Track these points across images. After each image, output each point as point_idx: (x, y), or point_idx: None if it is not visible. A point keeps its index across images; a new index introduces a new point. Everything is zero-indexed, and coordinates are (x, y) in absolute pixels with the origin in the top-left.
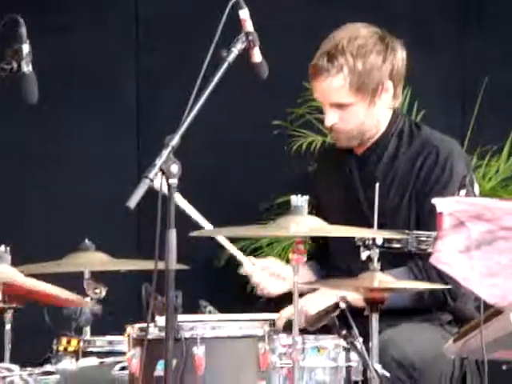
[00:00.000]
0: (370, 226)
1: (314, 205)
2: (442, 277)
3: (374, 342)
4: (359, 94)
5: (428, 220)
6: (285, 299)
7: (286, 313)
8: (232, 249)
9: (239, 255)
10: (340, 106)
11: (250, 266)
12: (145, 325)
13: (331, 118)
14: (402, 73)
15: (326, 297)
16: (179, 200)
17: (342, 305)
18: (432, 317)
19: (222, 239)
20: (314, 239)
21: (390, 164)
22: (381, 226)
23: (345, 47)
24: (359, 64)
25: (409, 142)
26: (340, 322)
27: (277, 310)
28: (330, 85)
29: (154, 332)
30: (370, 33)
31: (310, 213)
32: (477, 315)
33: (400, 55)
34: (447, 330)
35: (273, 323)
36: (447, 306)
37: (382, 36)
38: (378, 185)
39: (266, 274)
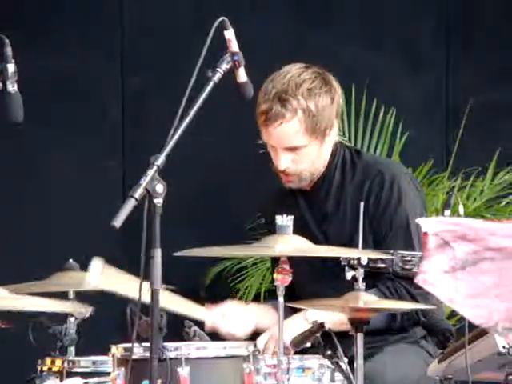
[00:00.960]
0: (331, 258)
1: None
2: (412, 295)
3: (359, 361)
4: (313, 136)
5: (390, 241)
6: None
7: (262, 340)
8: (184, 307)
9: (193, 312)
10: (293, 149)
11: (210, 318)
12: (129, 345)
13: (284, 161)
14: (340, 109)
15: (298, 323)
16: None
17: (327, 325)
18: (407, 334)
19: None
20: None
21: (338, 196)
22: (333, 258)
23: (295, 90)
24: (312, 106)
25: (352, 170)
26: (325, 342)
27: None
28: (286, 130)
29: (138, 352)
30: (313, 74)
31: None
32: (449, 326)
33: (338, 91)
34: (424, 347)
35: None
36: (419, 323)
37: (323, 77)
38: (362, 204)
39: (229, 320)
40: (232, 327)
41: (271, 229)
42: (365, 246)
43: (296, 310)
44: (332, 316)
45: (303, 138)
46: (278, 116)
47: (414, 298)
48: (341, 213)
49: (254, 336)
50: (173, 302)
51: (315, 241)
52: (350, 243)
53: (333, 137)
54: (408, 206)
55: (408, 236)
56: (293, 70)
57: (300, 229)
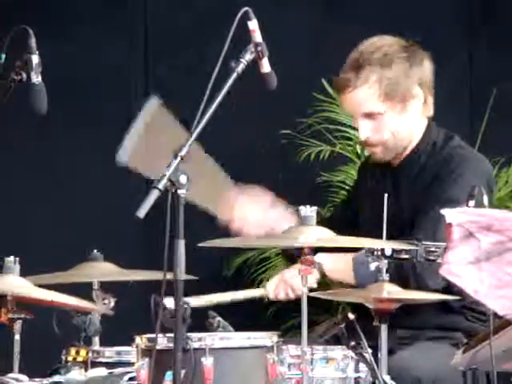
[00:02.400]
0: (393, 236)
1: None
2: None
3: (383, 352)
4: (388, 102)
5: (422, 223)
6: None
7: (272, 284)
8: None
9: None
10: (371, 117)
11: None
12: (153, 335)
13: (364, 130)
14: (430, 81)
15: (339, 256)
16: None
17: (351, 316)
18: (449, 335)
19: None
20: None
21: (418, 175)
22: (400, 235)
23: (370, 57)
24: (386, 72)
25: (439, 153)
26: (349, 332)
27: (285, 322)
28: (358, 95)
29: (162, 342)
30: (393, 41)
31: (318, 223)
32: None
33: (426, 63)
34: None
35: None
36: (409, 281)
37: (405, 45)
38: (386, 196)
39: (246, 222)
40: (245, 229)
41: (349, 195)
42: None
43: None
44: (336, 259)
45: (378, 103)
46: (350, 82)
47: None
48: (413, 193)
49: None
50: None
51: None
52: (407, 224)
53: (416, 107)
54: (461, 197)
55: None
56: (374, 38)
57: (377, 200)
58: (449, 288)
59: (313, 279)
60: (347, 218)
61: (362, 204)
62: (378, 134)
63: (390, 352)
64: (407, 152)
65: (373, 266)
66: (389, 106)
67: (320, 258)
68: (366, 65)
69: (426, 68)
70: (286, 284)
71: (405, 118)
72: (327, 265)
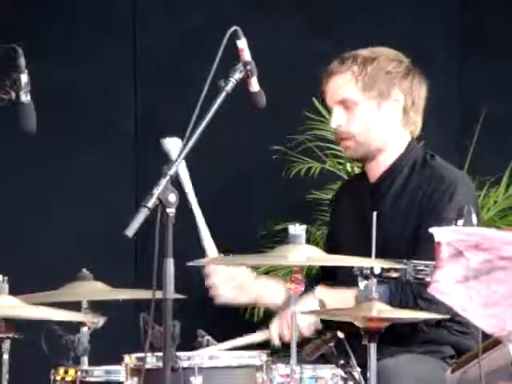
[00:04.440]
0: (377, 252)
1: (328, 233)
2: (417, 304)
3: (372, 371)
4: (365, 93)
5: (421, 247)
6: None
7: (275, 328)
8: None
9: (208, 244)
10: (346, 105)
11: (214, 266)
12: (142, 354)
13: (336, 117)
14: (416, 98)
15: (307, 302)
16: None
17: (340, 335)
18: (435, 349)
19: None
20: (322, 267)
21: (399, 193)
22: (383, 254)
23: (358, 53)
24: (369, 66)
25: (419, 172)
26: (338, 351)
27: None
28: (338, 81)
29: (151, 361)
30: (390, 51)
31: (307, 242)
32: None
33: (416, 82)
34: (450, 364)
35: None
36: (419, 307)
37: (401, 58)
38: (375, 213)
39: (227, 279)
40: (230, 293)
41: (331, 213)
42: (409, 250)
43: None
44: (338, 296)
45: (354, 91)
46: (333, 70)
47: (417, 307)
48: (395, 209)
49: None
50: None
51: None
52: (395, 241)
53: (393, 110)
54: (453, 217)
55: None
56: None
57: (356, 216)
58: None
59: (305, 323)
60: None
61: (341, 225)
62: (349, 125)
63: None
64: (385, 168)
65: (362, 285)
66: (365, 97)
67: (321, 294)
68: (350, 58)
69: (415, 84)
70: (289, 326)
71: (379, 116)
72: (329, 301)
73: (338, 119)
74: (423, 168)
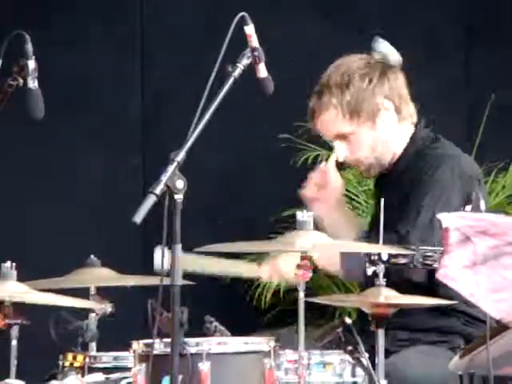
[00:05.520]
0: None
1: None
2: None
3: (380, 357)
4: (355, 120)
5: (402, 218)
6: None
7: (265, 270)
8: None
9: (247, 272)
10: (344, 137)
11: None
12: (150, 340)
13: (340, 151)
14: (400, 91)
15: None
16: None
17: (348, 320)
18: (446, 339)
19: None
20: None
21: (400, 179)
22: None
23: (329, 80)
24: (347, 93)
25: (418, 155)
26: (346, 337)
27: (282, 327)
28: (324, 120)
29: (159, 347)
30: (354, 59)
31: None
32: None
33: (391, 76)
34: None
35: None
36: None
37: (367, 61)
38: (383, 200)
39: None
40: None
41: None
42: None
43: None
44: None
45: (344, 124)
46: (315, 109)
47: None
48: (396, 193)
49: None
50: (222, 265)
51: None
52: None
53: (388, 119)
54: (434, 185)
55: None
56: (340, 59)
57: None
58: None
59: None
60: None
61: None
62: (355, 154)
63: (386, 354)
64: (394, 161)
65: (370, 270)
66: (357, 124)
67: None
68: (325, 89)
69: (392, 80)
70: (279, 271)
71: (378, 132)
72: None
73: (342, 152)
74: (421, 152)
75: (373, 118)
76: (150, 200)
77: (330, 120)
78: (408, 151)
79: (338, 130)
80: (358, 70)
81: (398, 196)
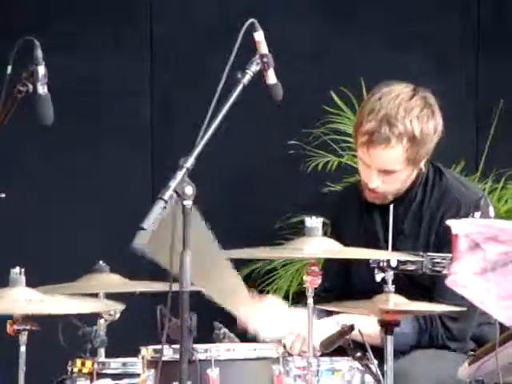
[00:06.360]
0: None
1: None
2: (448, 329)
3: (389, 364)
4: (410, 162)
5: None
6: None
7: (289, 339)
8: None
9: (234, 308)
10: (388, 172)
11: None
12: (159, 346)
13: (376, 181)
14: None
15: (328, 326)
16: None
17: (357, 327)
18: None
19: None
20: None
21: (415, 216)
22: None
23: (404, 116)
24: (418, 135)
25: (431, 191)
26: (355, 344)
27: None
28: (389, 154)
29: (168, 354)
30: (422, 101)
31: (324, 234)
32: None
33: (441, 123)
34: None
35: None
36: (448, 345)
37: (431, 105)
38: (392, 206)
39: (266, 322)
40: (266, 330)
41: (336, 233)
42: None
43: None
44: (363, 323)
45: (401, 164)
46: (385, 140)
47: (448, 332)
48: (415, 232)
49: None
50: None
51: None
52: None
53: (425, 161)
54: None
55: None
56: (403, 93)
57: (369, 240)
58: None
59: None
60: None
61: (347, 232)
62: (387, 186)
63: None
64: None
65: (379, 277)
66: (407, 166)
67: (344, 320)
68: (401, 125)
69: (441, 127)
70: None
71: (414, 172)
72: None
73: (377, 183)
74: (434, 186)
75: (418, 164)
76: (159, 206)
77: (394, 157)
78: (417, 182)
79: (391, 168)
80: (430, 117)
81: (414, 228)
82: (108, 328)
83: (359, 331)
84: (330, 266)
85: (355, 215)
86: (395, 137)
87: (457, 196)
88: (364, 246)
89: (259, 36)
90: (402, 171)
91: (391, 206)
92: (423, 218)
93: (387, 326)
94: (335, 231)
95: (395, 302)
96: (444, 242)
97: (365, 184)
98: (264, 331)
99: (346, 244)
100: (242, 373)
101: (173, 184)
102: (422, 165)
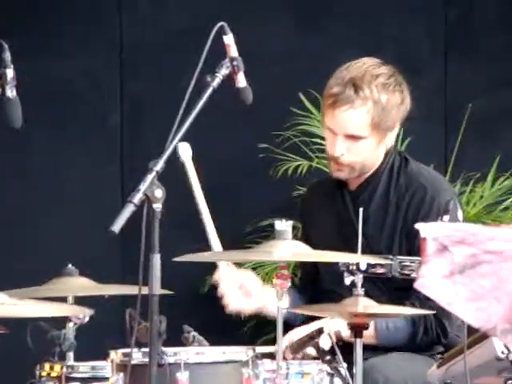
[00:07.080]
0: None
1: (298, 232)
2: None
3: (358, 367)
4: (374, 131)
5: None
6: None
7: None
8: (214, 240)
9: (214, 241)
10: (352, 138)
11: (223, 273)
12: (128, 350)
13: (340, 148)
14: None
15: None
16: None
17: (326, 330)
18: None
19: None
20: (303, 263)
21: (381, 201)
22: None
23: (370, 79)
24: (383, 100)
25: (397, 178)
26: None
27: (261, 336)
28: (352, 116)
29: (137, 357)
30: (390, 71)
31: (294, 237)
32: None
33: (408, 98)
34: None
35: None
36: (440, 343)
37: (398, 77)
38: (361, 209)
39: (235, 287)
40: (232, 297)
41: (307, 227)
42: (399, 254)
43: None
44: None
45: (366, 129)
46: (349, 100)
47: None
48: (381, 218)
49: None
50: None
51: (353, 238)
52: (387, 251)
53: (390, 140)
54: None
55: None
56: (370, 62)
57: (340, 223)
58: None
59: (326, 345)
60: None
61: (318, 224)
62: (351, 156)
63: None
64: (365, 176)
65: (348, 280)
66: (373, 133)
67: (336, 325)
68: (366, 86)
69: (408, 101)
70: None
71: (379, 148)
72: (345, 331)
73: (342, 150)
74: (399, 173)
75: (384, 134)
76: (129, 209)
77: (358, 120)
78: (381, 169)
79: (355, 132)
80: (396, 86)
81: (382, 221)
82: (77, 331)
83: (328, 334)
84: (303, 268)
85: (327, 204)
86: (360, 99)
87: (421, 181)
88: (338, 236)
89: (229, 39)
90: (367, 139)
91: (361, 210)
92: (389, 204)
93: (356, 329)
94: (305, 228)
95: (364, 305)
96: (411, 229)
97: (331, 156)
98: (235, 302)
99: (318, 239)
100: (211, 376)
101: (142, 187)
102: (387, 141)
